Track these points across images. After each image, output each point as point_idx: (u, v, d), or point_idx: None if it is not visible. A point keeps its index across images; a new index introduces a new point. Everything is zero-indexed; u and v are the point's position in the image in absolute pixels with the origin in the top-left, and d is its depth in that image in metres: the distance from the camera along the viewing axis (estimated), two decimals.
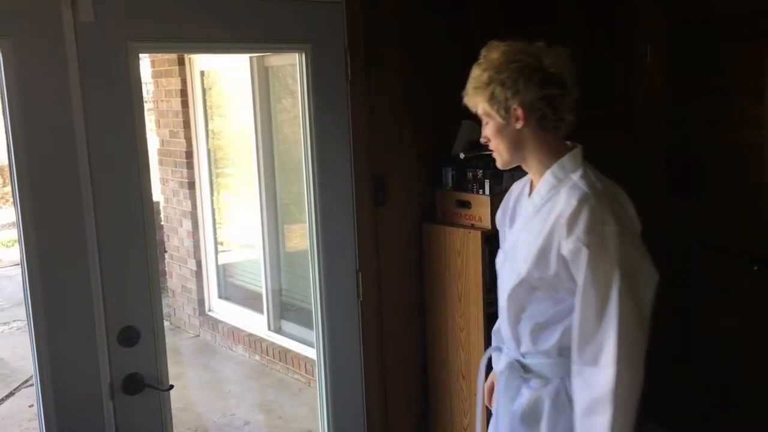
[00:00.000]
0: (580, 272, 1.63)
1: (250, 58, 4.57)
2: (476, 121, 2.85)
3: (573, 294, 1.67)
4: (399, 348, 2.76)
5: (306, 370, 4.58)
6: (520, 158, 1.77)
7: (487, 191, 2.60)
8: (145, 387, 2.12)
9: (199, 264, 5.54)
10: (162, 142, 5.67)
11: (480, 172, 2.62)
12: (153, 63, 5.55)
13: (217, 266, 5.53)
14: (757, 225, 3.14)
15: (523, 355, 1.81)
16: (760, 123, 3.07)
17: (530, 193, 1.83)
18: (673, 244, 3.46)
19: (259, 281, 4.97)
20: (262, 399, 4.60)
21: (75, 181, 1.98)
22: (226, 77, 5.42)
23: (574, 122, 1.76)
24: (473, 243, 2.60)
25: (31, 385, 4.73)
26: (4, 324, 6.23)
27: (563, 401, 1.75)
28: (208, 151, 5.43)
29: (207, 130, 5.41)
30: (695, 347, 3.42)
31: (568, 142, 1.80)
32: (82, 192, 1.99)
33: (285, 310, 4.95)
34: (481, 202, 2.61)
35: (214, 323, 5.44)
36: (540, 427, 1.79)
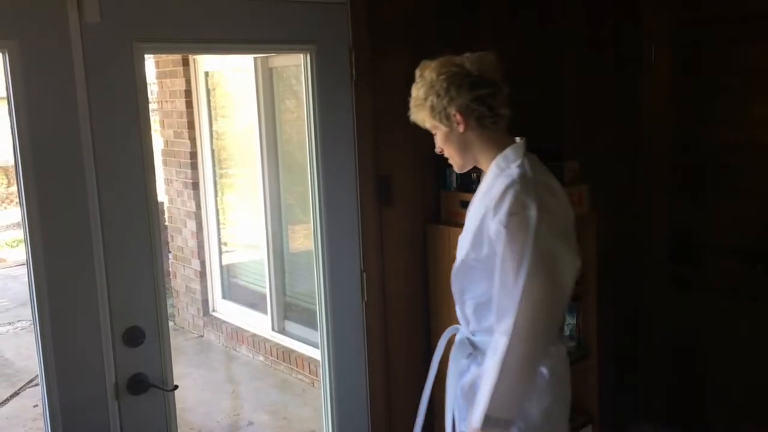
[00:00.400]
0: (499, 251, 1.76)
1: (255, 58, 4.57)
2: None
3: None
4: (403, 349, 2.76)
5: (310, 371, 4.58)
6: (472, 159, 1.92)
7: None
8: (149, 387, 2.13)
9: (203, 264, 5.55)
10: (166, 143, 5.68)
11: None
12: (157, 64, 5.56)
13: (221, 267, 5.54)
14: (762, 226, 3.13)
15: (472, 333, 1.97)
16: (767, 124, 3.07)
17: None
18: (678, 244, 3.45)
19: (263, 282, 4.98)
20: (266, 399, 4.60)
21: (80, 181, 1.98)
22: (230, 78, 5.43)
23: (511, 115, 1.89)
24: None
25: (36, 385, 4.74)
26: (9, 324, 6.25)
27: None
28: (212, 151, 5.44)
29: (211, 131, 5.42)
30: (700, 348, 3.42)
31: (518, 138, 1.92)
32: (87, 192, 1.99)
33: (289, 311, 4.95)
34: None
35: (218, 323, 5.45)
36: (457, 406, 1.96)
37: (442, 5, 2.76)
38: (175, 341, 5.36)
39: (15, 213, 10.32)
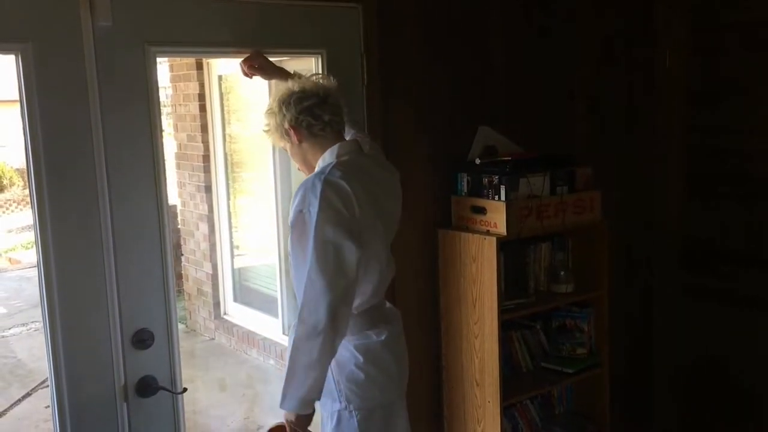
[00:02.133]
0: (290, 246, 1.97)
1: None
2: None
3: None
4: (412, 355, 2.73)
5: None
6: (311, 168, 2.08)
7: (502, 197, 2.59)
8: (158, 390, 2.13)
9: (214, 267, 5.56)
10: (179, 146, 5.70)
11: (496, 178, 2.61)
12: (171, 67, 5.59)
13: (233, 270, 5.54)
14: None
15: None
16: None
17: None
18: (690, 252, 3.42)
19: (274, 285, 4.97)
20: (277, 403, 4.59)
21: (91, 184, 1.99)
22: (243, 82, 5.44)
23: (339, 120, 2.08)
24: (488, 249, 2.59)
25: (48, 386, 4.76)
26: (23, 325, 6.29)
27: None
28: (225, 155, 5.45)
29: (224, 134, 5.43)
30: (712, 356, 3.38)
31: (359, 138, 2.15)
32: (98, 194, 2.00)
33: None
34: (496, 208, 2.60)
35: (229, 327, 5.45)
36: None
37: (453, 10, 2.75)
38: (187, 344, 5.37)
39: (30, 215, 10.37)
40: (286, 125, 2.04)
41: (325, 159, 2.04)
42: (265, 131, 2.14)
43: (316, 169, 2.05)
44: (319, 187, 1.91)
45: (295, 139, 2.05)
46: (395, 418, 2.19)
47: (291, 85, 2.06)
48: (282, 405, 1.98)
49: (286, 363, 1.95)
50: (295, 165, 2.19)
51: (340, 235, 1.90)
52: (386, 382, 2.13)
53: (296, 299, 2.01)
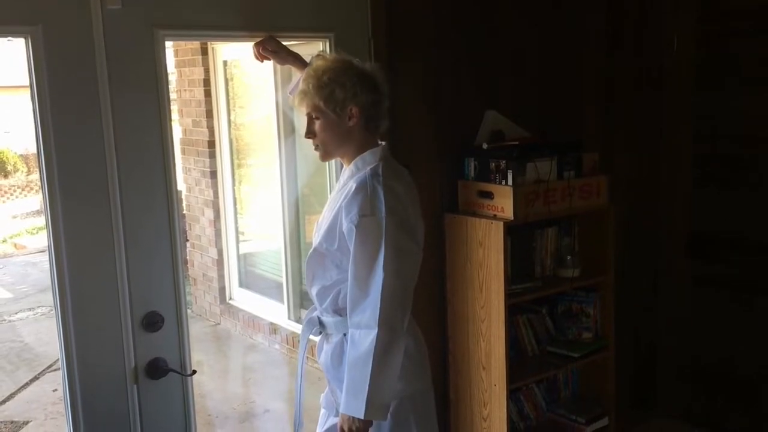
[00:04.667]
0: (351, 249, 1.91)
1: None
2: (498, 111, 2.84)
3: None
4: None
5: None
6: (343, 152, 2.03)
7: (509, 182, 2.59)
8: (168, 372, 2.15)
9: (220, 253, 5.58)
10: (185, 132, 5.70)
11: (503, 163, 2.61)
12: (176, 52, 5.58)
13: (238, 255, 5.57)
14: None
15: (321, 313, 2.13)
16: None
17: None
18: (697, 239, 3.43)
19: (280, 271, 5.00)
20: (282, 387, 4.63)
21: (101, 168, 2.00)
22: (248, 67, 5.44)
23: (388, 126, 2.04)
24: (495, 233, 2.59)
25: (55, 369, 4.81)
26: (29, 309, 6.32)
27: (339, 354, 2.05)
28: (230, 140, 5.46)
29: (229, 120, 5.43)
30: (717, 342, 3.39)
31: (382, 142, 2.05)
32: (107, 178, 2.01)
33: (305, 300, 4.97)
34: (503, 192, 2.60)
35: (235, 312, 5.48)
36: (328, 379, 2.18)
37: None
38: (192, 329, 5.35)
39: (34, 201, 10.42)
40: (353, 105, 1.92)
41: (366, 159, 1.99)
42: (313, 86, 1.94)
43: (351, 166, 2.00)
44: (381, 192, 1.90)
45: (353, 121, 1.94)
46: (427, 408, 2.16)
47: (366, 66, 1.96)
48: (367, 414, 1.88)
49: (362, 370, 1.88)
50: (301, 148, 2.13)
51: (409, 240, 1.96)
52: (415, 370, 2.10)
53: (328, 290, 2.04)
